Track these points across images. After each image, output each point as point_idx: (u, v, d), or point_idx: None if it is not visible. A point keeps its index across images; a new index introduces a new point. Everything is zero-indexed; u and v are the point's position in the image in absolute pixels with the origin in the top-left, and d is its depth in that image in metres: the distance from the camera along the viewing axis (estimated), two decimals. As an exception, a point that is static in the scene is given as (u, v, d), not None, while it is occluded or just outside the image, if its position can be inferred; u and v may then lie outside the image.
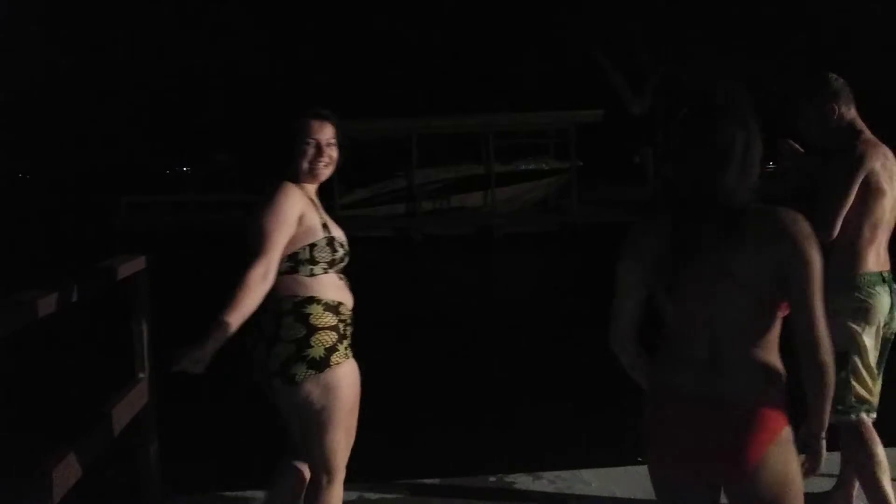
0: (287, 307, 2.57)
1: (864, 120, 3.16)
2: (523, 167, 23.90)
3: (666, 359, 1.98)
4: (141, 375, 3.41)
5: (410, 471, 4.31)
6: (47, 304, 2.59)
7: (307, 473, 2.78)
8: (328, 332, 2.59)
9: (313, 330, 2.57)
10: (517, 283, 15.29)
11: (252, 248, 2.53)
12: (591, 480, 3.82)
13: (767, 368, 1.89)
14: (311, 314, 2.58)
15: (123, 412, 3.13)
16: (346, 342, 2.66)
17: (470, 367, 8.46)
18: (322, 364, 2.55)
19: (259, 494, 3.77)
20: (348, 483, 2.81)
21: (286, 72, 28.75)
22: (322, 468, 2.66)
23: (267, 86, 28.80)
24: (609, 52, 26.16)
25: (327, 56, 28.46)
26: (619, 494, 3.66)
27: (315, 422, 2.59)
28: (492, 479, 3.93)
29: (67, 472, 2.57)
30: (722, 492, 1.99)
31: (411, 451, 5.56)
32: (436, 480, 3.96)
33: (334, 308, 2.63)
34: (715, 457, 1.86)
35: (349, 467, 2.80)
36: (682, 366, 1.92)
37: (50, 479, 2.45)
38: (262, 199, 2.63)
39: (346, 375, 2.62)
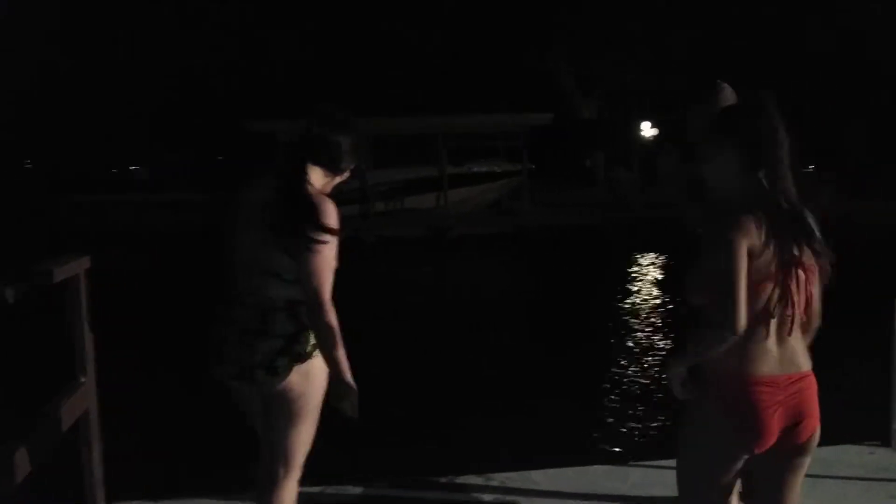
0: (280, 305, 2.61)
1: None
2: (476, 169, 24.00)
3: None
4: (83, 379, 3.33)
5: (359, 473, 4.29)
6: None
7: None
8: None
9: (303, 328, 2.62)
10: (471, 285, 15.33)
11: (323, 268, 2.53)
12: (541, 481, 3.84)
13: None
14: (302, 313, 2.62)
15: (65, 417, 3.05)
16: None
17: (422, 369, 8.46)
18: (306, 356, 2.62)
19: (206, 501, 3.72)
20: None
21: (286, 71, 28.41)
22: (281, 460, 2.68)
23: (267, 85, 28.39)
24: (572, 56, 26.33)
25: (327, 56, 28.23)
26: (566, 490, 3.68)
27: (290, 410, 2.63)
28: (442, 480, 3.93)
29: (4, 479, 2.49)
30: None
31: (361, 453, 5.53)
32: (384, 483, 3.94)
33: None
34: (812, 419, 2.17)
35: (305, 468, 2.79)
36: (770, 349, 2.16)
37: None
38: (318, 213, 2.55)
39: (324, 368, 2.67)
